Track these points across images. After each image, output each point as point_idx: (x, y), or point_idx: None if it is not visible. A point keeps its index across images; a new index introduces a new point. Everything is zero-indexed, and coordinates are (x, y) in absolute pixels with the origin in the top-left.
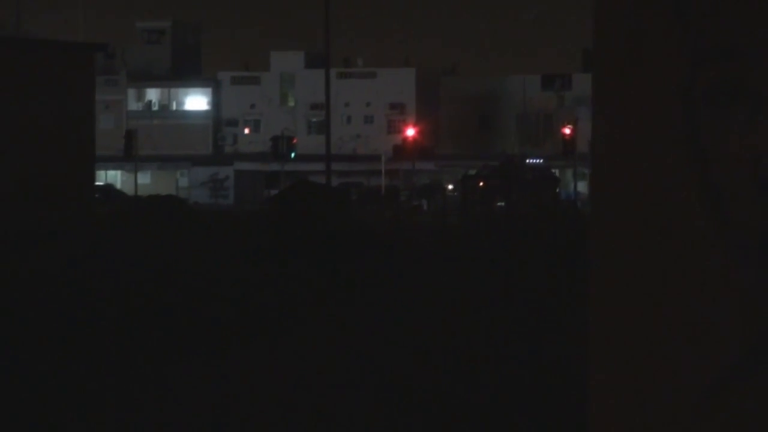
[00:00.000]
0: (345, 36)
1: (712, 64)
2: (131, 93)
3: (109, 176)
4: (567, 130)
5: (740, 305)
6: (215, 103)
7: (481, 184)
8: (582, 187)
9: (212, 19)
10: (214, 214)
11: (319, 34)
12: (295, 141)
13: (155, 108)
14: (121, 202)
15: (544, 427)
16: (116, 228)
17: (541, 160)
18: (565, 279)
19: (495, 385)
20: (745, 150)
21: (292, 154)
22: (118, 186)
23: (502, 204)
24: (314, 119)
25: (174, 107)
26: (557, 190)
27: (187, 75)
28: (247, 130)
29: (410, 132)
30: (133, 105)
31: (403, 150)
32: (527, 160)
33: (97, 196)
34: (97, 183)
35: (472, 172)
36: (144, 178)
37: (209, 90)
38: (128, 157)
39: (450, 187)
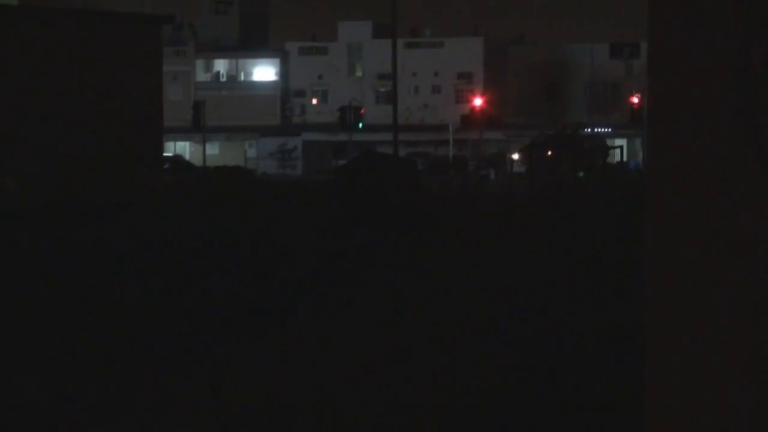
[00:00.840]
0: (412, 5)
1: (767, 40)
2: (199, 64)
3: (178, 147)
4: (635, 99)
5: None
6: (283, 73)
7: (549, 153)
8: None
9: None
10: (281, 184)
11: (386, 3)
12: (362, 111)
13: (223, 79)
14: (189, 173)
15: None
16: (184, 198)
17: (609, 129)
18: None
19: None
20: None
21: (360, 125)
22: (187, 157)
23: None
24: (382, 89)
25: (242, 78)
26: (608, 160)
27: (254, 46)
28: (314, 101)
29: (478, 102)
30: (202, 76)
31: (470, 120)
32: (583, 130)
33: (166, 167)
34: (166, 154)
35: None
36: (212, 149)
37: (277, 61)
38: (196, 129)
39: (515, 156)
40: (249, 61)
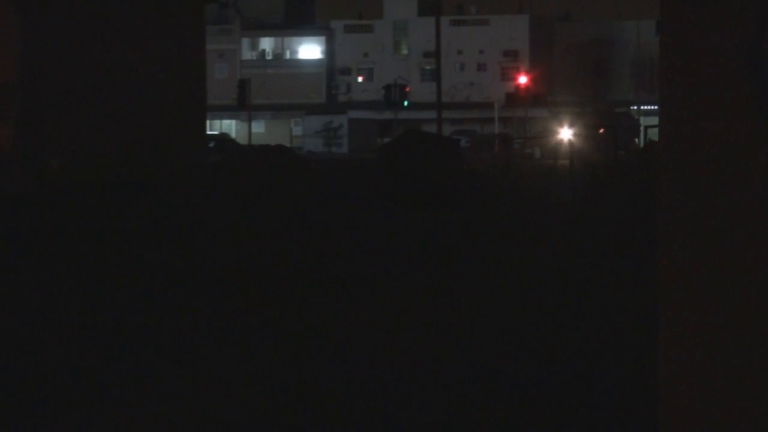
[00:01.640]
0: None
1: None
2: (245, 42)
3: (224, 125)
4: None
5: None
6: (329, 51)
7: (601, 131)
8: None
9: None
10: (325, 162)
11: None
12: (408, 89)
13: (269, 57)
14: (232, 151)
15: None
16: (226, 177)
17: (656, 107)
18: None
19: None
20: None
21: (405, 103)
22: (233, 135)
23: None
24: (427, 67)
25: (288, 56)
26: (635, 138)
27: (300, 24)
28: (360, 79)
29: (523, 79)
30: (247, 54)
31: (516, 97)
32: (617, 109)
33: (211, 145)
34: (212, 132)
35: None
36: (258, 127)
37: (323, 38)
38: (241, 107)
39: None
40: (295, 39)
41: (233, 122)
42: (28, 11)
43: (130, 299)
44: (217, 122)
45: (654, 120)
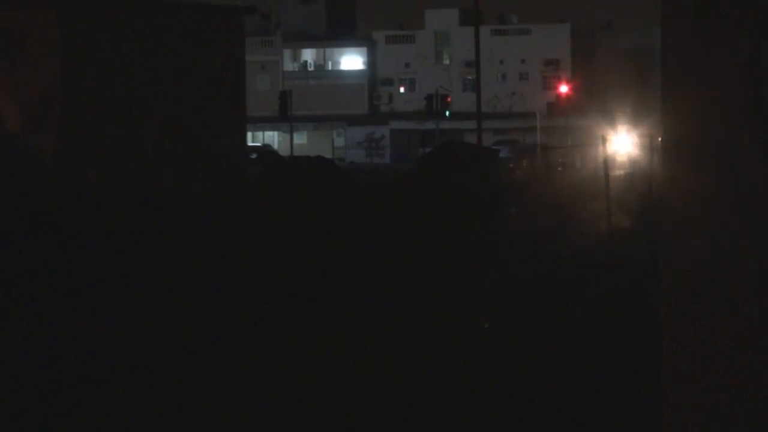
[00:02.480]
0: None
1: None
2: (287, 53)
3: (267, 137)
4: None
5: None
6: (370, 62)
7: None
8: None
9: None
10: (365, 172)
11: None
12: (449, 99)
13: (311, 68)
14: (272, 163)
15: None
16: (265, 187)
17: None
18: None
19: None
20: None
21: (447, 113)
22: (275, 147)
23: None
24: (469, 77)
25: (329, 67)
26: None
27: (342, 35)
28: (402, 89)
29: (564, 89)
30: (289, 65)
31: (557, 106)
32: None
33: (253, 156)
34: (254, 143)
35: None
36: (300, 139)
37: (364, 49)
38: (283, 118)
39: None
40: (336, 50)
41: (275, 134)
42: (68, 26)
43: (169, 310)
44: (259, 134)
45: None
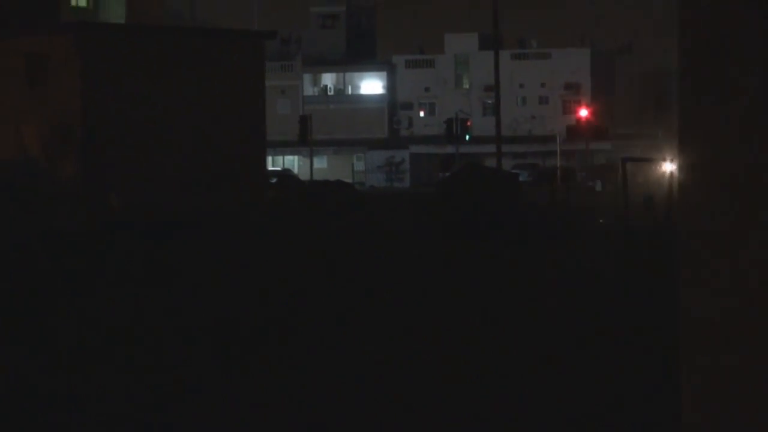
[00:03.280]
0: (519, 17)
1: None
2: (307, 78)
3: (287, 161)
4: None
5: None
6: (390, 86)
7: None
8: None
9: (386, 2)
10: (384, 197)
11: (492, 15)
12: (469, 123)
13: (331, 92)
14: (292, 187)
15: None
16: (285, 211)
17: None
18: None
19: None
20: None
21: (467, 137)
22: (296, 171)
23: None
24: (489, 101)
25: (349, 91)
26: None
27: (361, 59)
28: (422, 113)
29: (583, 112)
30: (309, 90)
31: (577, 130)
32: None
33: (273, 180)
34: (274, 168)
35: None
36: (320, 163)
37: (384, 74)
38: (303, 142)
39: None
40: (356, 74)
41: (296, 158)
42: (90, 52)
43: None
44: (279, 158)
45: None
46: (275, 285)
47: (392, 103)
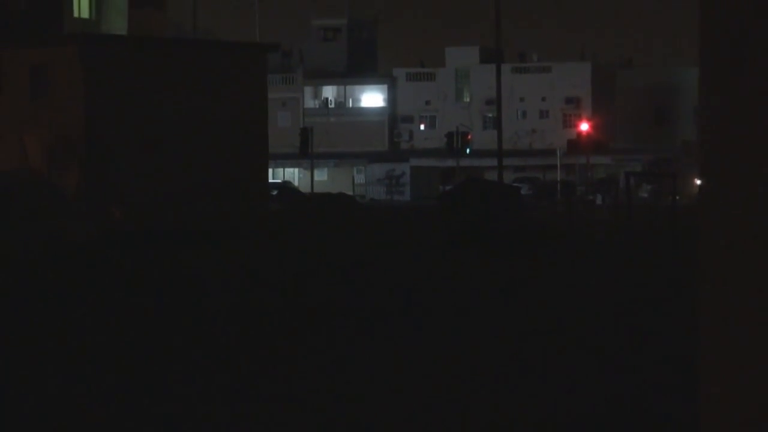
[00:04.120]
0: (520, 31)
1: None
2: (308, 90)
3: (287, 173)
4: None
5: None
6: (391, 99)
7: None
8: None
9: (388, 15)
10: (385, 209)
11: (494, 29)
12: (469, 137)
13: (331, 105)
14: (294, 199)
15: None
16: (287, 223)
17: None
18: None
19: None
20: None
21: (467, 150)
22: (296, 183)
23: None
24: (489, 114)
25: (350, 104)
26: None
27: (362, 72)
28: (422, 126)
29: (584, 126)
30: (310, 102)
31: (577, 144)
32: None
33: (274, 192)
34: (275, 180)
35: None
36: (321, 175)
37: (385, 87)
38: (304, 155)
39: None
40: (357, 87)
41: (296, 170)
42: (93, 64)
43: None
44: (280, 170)
45: None
46: (284, 289)
47: (393, 116)
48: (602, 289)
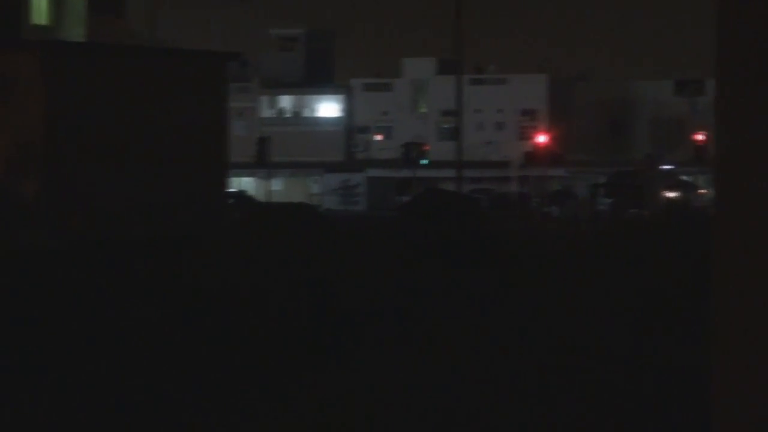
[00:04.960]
0: (477, 42)
1: None
2: (264, 100)
3: (243, 183)
4: (700, 137)
5: None
6: (347, 109)
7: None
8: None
9: (345, 26)
10: (345, 220)
11: (451, 40)
12: (426, 148)
13: (288, 115)
14: (252, 208)
15: None
16: (249, 233)
17: (674, 167)
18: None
19: None
20: None
21: (424, 161)
22: (252, 192)
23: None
24: (446, 126)
25: (306, 114)
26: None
27: (319, 82)
28: (379, 137)
29: (541, 138)
30: (266, 112)
31: (534, 156)
32: (662, 166)
33: (231, 201)
34: (230, 189)
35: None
36: (276, 185)
37: (342, 97)
38: (260, 164)
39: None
40: (313, 97)
41: (251, 179)
42: (53, 71)
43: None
44: (235, 180)
45: None
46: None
47: (349, 126)
48: (578, 298)
